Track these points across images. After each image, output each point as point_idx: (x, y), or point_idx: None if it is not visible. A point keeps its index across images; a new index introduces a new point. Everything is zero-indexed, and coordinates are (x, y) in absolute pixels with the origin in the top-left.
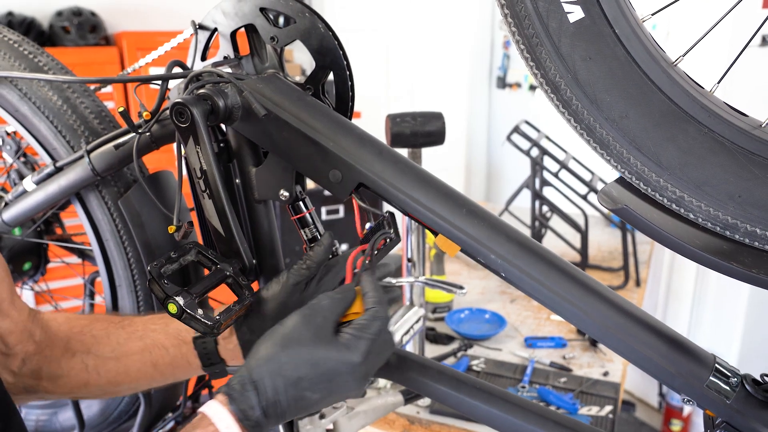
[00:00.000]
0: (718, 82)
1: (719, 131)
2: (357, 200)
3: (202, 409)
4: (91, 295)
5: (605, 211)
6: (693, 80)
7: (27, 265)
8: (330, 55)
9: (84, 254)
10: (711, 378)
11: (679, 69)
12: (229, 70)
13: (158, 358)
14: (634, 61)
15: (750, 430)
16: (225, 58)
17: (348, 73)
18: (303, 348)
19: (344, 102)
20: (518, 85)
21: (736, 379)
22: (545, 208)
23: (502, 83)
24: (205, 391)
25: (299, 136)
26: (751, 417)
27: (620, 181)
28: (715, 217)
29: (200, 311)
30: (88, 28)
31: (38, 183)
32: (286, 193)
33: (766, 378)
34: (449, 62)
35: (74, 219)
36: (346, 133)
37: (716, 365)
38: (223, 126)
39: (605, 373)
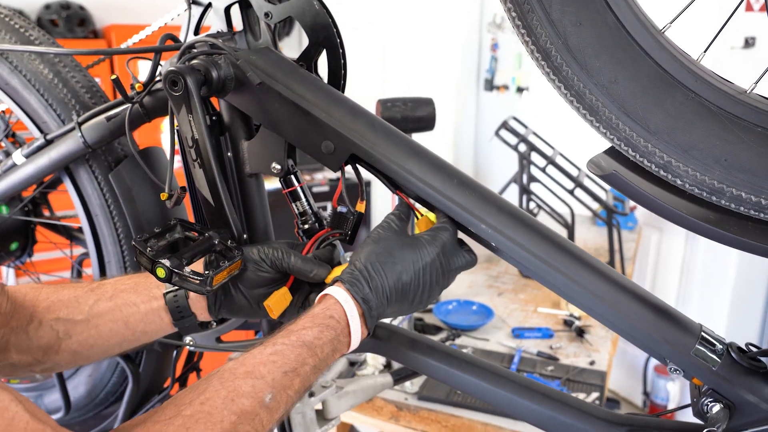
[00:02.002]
0: (705, 51)
1: (706, 96)
2: (342, 177)
3: (326, 291)
4: (79, 275)
5: (594, 207)
6: (680, 49)
7: (14, 245)
8: (323, 32)
9: (72, 235)
10: (697, 346)
11: (666, 36)
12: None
13: (129, 315)
14: (623, 27)
15: (735, 396)
16: (218, 32)
17: (341, 51)
18: (393, 242)
19: (336, 79)
20: (505, 87)
21: (721, 347)
22: (532, 204)
23: (490, 85)
24: (193, 374)
25: (292, 107)
26: (736, 384)
27: (609, 151)
28: (701, 182)
29: (188, 269)
30: (76, 22)
31: (28, 156)
32: (278, 166)
33: (750, 347)
34: (439, 65)
35: (62, 211)
36: (338, 104)
37: (702, 333)
38: (214, 103)
39: (591, 362)
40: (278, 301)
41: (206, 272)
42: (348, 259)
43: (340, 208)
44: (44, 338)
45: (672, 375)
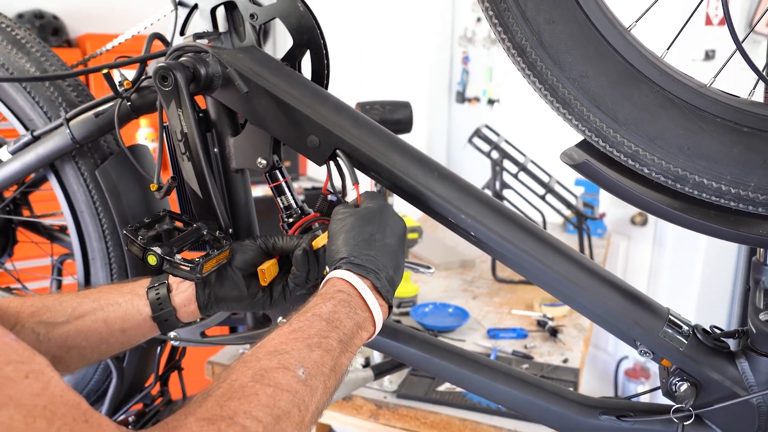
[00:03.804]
0: (668, 48)
1: (670, 89)
2: (329, 170)
3: (326, 277)
4: (59, 273)
5: (565, 213)
6: (645, 46)
7: None
8: (308, 33)
9: (53, 236)
10: (665, 328)
11: (632, 34)
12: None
13: (110, 313)
14: (592, 25)
15: (701, 375)
16: (205, 32)
17: (324, 51)
18: (356, 219)
19: (320, 79)
20: (477, 99)
21: (687, 329)
22: None
23: (462, 98)
24: (174, 373)
25: (278, 103)
26: (702, 363)
27: (580, 145)
28: (666, 170)
29: (179, 257)
30: (50, 31)
31: (14, 153)
32: (264, 161)
33: (715, 329)
34: (411, 78)
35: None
36: (323, 101)
37: (670, 316)
38: (200, 102)
39: (565, 360)
40: (270, 268)
41: (197, 259)
42: None
43: (330, 197)
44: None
45: (644, 360)
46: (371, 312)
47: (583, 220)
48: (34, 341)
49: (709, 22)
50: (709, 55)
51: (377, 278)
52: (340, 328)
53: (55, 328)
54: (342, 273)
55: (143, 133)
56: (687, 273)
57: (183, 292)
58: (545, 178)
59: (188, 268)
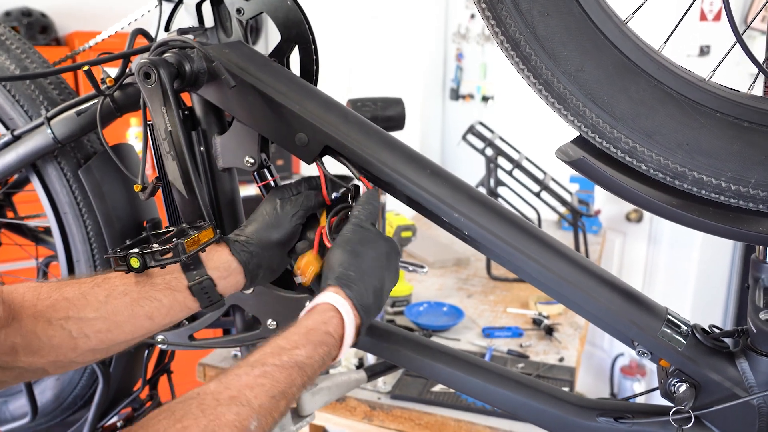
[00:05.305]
0: (666, 42)
1: (668, 83)
2: (321, 167)
3: (324, 299)
4: (44, 275)
5: (561, 210)
6: (642, 39)
7: None
8: (296, 28)
9: (38, 238)
10: (663, 328)
11: (629, 27)
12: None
13: (153, 310)
14: (588, 17)
15: (700, 375)
16: (190, 28)
17: (313, 46)
18: (365, 240)
19: (309, 75)
20: (471, 96)
21: (686, 329)
22: None
23: (455, 95)
24: (163, 376)
25: (265, 100)
26: (701, 363)
27: (576, 141)
28: (665, 166)
29: (156, 244)
30: (38, 29)
31: None
32: (251, 160)
33: (714, 328)
34: (405, 75)
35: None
36: (311, 97)
37: (668, 316)
38: (186, 100)
39: (561, 359)
40: (307, 264)
41: (174, 240)
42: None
43: (334, 195)
44: (56, 338)
45: (640, 358)
46: (341, 350)
47: (578, 217)
48: (65, 337)
49: (703, 17)
50: (704, 51)
51: (367, 316)
52: (307, 373)
53: (91, 324)
54: (342, 304)
55: (133, 133)
56: (682, 269)
57: (229, 281)
58: (540, 175)
59: (170, 253)
